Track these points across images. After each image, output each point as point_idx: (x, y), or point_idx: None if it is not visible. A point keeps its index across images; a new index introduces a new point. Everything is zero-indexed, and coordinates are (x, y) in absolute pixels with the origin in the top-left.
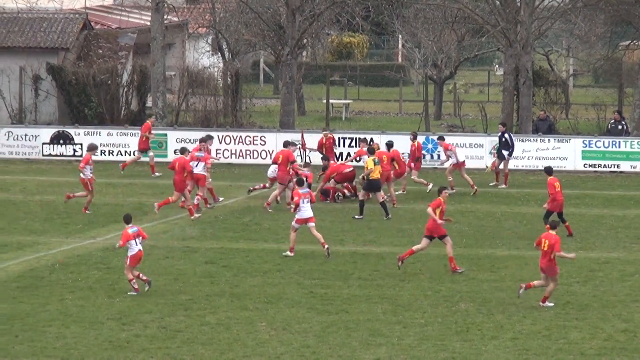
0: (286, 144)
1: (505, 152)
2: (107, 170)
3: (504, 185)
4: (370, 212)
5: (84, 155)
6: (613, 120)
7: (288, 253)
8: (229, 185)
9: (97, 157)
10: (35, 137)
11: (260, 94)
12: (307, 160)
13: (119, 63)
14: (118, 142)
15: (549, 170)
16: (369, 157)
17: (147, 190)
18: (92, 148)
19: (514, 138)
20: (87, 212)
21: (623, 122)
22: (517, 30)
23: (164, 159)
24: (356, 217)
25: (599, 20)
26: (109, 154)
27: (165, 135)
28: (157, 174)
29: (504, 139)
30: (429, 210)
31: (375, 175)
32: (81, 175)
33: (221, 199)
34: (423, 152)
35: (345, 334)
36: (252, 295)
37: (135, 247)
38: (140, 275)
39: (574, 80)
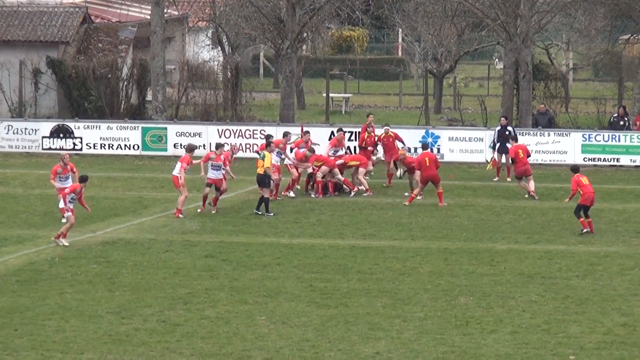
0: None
1: (508, 145)
2: (107, 165)
3: (508, 179)
4: (369, 206)
5: (182, 156)
6: (616, 114)
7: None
8: (229, 179)
9: (97, 151)
10: (35, 130)
11: (260, 87)
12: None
13: (119, 57)
14: (118, 136)
15: (575, 169)
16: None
17: (148, 184)
18: (191, 149)
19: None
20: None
21: (626, 118)
22: (517, 24)
23: (164, 153)
24: (258, 212)
25: (598, 14)
26: (108, 148)
27: (165, 129)
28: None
29: (507, 132)
30: None
31: (260, 170)
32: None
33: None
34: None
35: (345, 327)
36: (252, 289)
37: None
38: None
39: (574, 74)
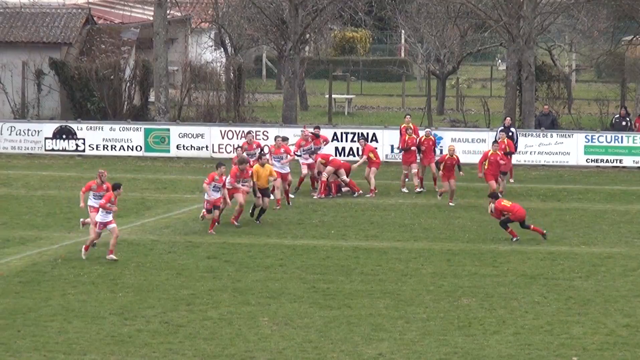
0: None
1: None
2: (109, 166)
3: (511, 180)
4: (372, 207)
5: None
6: (618, 116)
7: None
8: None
9: (100, 152)
10: (38, 132)
11: (263, 88)
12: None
13: (122, 58)
14: (121, 137)
15: (493, 195)
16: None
17: (150, 185)
18: (219, 165)
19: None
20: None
21: (627, 119)
22: (520, 25)
23: (167, 154)
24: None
25: (601, 15)
26: (111, 149)
27: (168, 130)
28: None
29: (510, 133)
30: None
31: (261, 183)
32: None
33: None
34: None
35: (348, 329)
36: (255, 290)
37: None
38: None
39: (577, 75)
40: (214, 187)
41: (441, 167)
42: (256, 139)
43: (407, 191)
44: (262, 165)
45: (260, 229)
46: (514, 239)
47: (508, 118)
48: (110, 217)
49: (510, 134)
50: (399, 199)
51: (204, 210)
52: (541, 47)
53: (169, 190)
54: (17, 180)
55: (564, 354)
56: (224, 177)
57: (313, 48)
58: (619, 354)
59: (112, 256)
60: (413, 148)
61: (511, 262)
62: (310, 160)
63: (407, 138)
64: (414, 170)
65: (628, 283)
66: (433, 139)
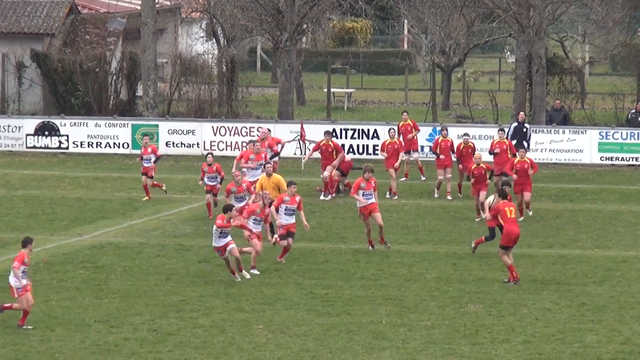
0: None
1: (525, 144)
2: (95, 164)
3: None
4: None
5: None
6: (634, 111)
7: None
8: (224, 179)
9: (84, 149)
10: (19, 128)
11: (258, 82)
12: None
13: (108, 50)
14: (106, 134)
15: (502, 194)
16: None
17: (138, 184)
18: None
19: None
20: None
21: None
22: (530, 14)
23: None
24: None
25: (616, 4)
26: (96, 146)
27: (157, 126)
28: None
29: (524, 129)
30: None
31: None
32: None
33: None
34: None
35: (347, 337)
36: (248, 296)
37: None
38: None
39: (590, 68)
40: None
41: (471, 181)
42: (250, 135)
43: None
44: (268, 175)
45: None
46: (474, 251)
47: (522, 113)
48: (227, 239)
49: (524, 130)
50: (402, 200)
51: (276, 236)
52: (552, 38)
53: (158, 190)
54: None
55: None
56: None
57: (310, 39)
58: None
59: (249, 272)
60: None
61: (521, 267)
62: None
63: (440, 140)
64: (448, 176)
65: None
66: (472, 145)
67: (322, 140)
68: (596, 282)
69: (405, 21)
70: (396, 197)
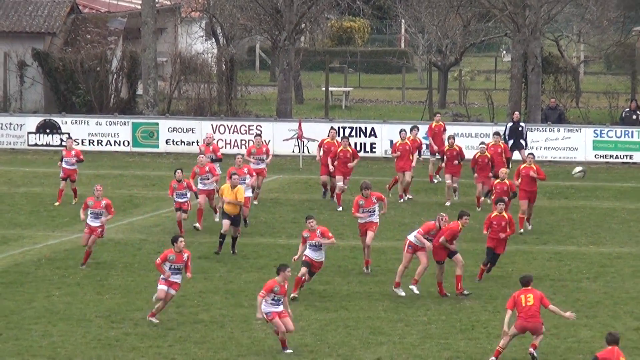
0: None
1: (522, 142)
2: (96, 162)
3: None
4: None
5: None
6: (628, 109)
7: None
8: (223, 177)
9: (85, 147)
10: (21, 126)
11: (256, 81)
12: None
13: (108, 49)
14: (107, 132)
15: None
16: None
17: (138, 182)
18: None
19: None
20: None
21: (638, 112)
22: (526, 14)
23: (155, 149)
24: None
25: (611, 4)
26: (97, 144)
27: (157, 124)
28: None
29: (520, 128)
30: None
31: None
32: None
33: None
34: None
35: (345, 332)
36: (248, 291)
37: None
38: None
39: (585, 67)
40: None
41: (492, 196)
42: (249, 133)
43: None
44: (233, 187)
45: (253, 228)
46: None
47: (516, 112)
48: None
49: (520, 128)
50: (398, 197)
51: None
52: (548, 38)
53: (158, 187)
54: None
55: (571, 358)
56: (184, 184)
57: (309, 38)
58: (629, 358)
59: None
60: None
61: (516, 263)
62: (263, 165)
63: (446, 148)
64: (448, 182)
65: (638, 284)
66: (489, 155)
67: (340, 146)
68: (590, 278)
69: (403, 21)
70: (402, 199)
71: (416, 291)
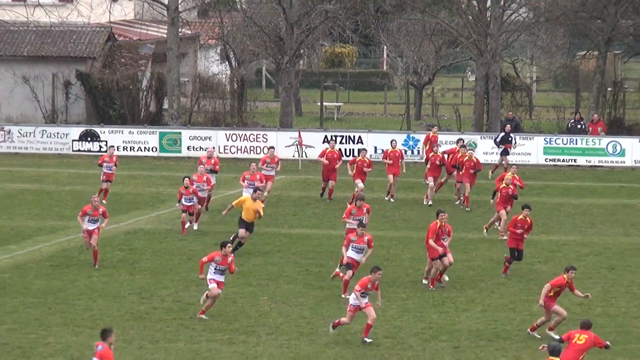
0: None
1: (510, 150)
2: (128, 164)
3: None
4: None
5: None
6: (573, 120)
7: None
8: (235, 177)
9: (120, 152)
10: (66, 134)
11: (263, 97)
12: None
13: (139, 70)
14: (138, 140)
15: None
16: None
17: (164, 181)
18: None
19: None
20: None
21: (582, 122)
22: (487, 41)
23: (179, 154)
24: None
25: (559, 33)
26: (130, 150)
27: (180, 133)
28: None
29: (510, 139)
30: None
31: (247, 216)
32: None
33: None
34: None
35: (337, 306)
36: (255, 272)
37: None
38: None
39: (537, 86)
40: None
41: (496, 197)
42: (257, 141)
43: (431, 204)
44: (254, 200)
45: (259, 220)
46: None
47: (508, 126)
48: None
49: (510, 139)
50: (382, 194)
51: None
52: (506, 61)
53: (180, 186)
54: (48, 177)
55: (525, 328)
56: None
57: (306, 62)
58: (573, 328)
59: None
60: (437, 162)
61: (480, 249)
62: (273, 173)
63: (430, 154)
64: (431, 184)
65: (581, 267)
66: (475, 159)
67: (358, 157)
68: (542, 262)
69: (385, 47)
70: (393, 199)
71: (447, 278)
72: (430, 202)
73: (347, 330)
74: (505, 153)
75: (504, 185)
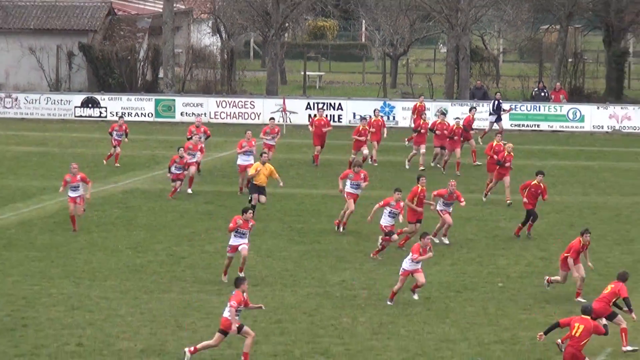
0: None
1: (503, 116)
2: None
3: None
4: (339, 163)
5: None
6: (536, 89)
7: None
8: (225, 141)
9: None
10: (69, 101)
11: (251, 67)
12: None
13: (137, 42)
14: (136, 106)
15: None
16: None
17: (159, 145)
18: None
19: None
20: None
21: (545, 90)
22: (458, 16)
23: (173, 120)
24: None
25: (524, 8)
26: (128, 115)
27: (174, 100)
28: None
29: (501, 105)
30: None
31: (259, 180)
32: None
33: None
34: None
35: (317, 260)
36: None
37: None
38: None
39: (503, 57)
40: (176, 167)
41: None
42: (245, 107)
43: (408, 167)
44: (263, 163)
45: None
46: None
47: (498, 93)
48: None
49: (501, 106)
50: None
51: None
52: (475, 34)
53: (175, 150)
54: (52, 140)
55: (492, 280)
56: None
57: (291, 34)
58: (536, 281)
59: None
60: (422, 131)
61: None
62: (273, 142)
63: (421, 122)
64: (422, 151)
65: (543, 224)
66: (462, 128)
67: (372, 117)
68: (506, 219)
69: (363, 20)
70: (376, 163)
71: (446, 241)
72: (422, 167)
73: (326, 281)
74: (498, 120)
75: (507, 153)
